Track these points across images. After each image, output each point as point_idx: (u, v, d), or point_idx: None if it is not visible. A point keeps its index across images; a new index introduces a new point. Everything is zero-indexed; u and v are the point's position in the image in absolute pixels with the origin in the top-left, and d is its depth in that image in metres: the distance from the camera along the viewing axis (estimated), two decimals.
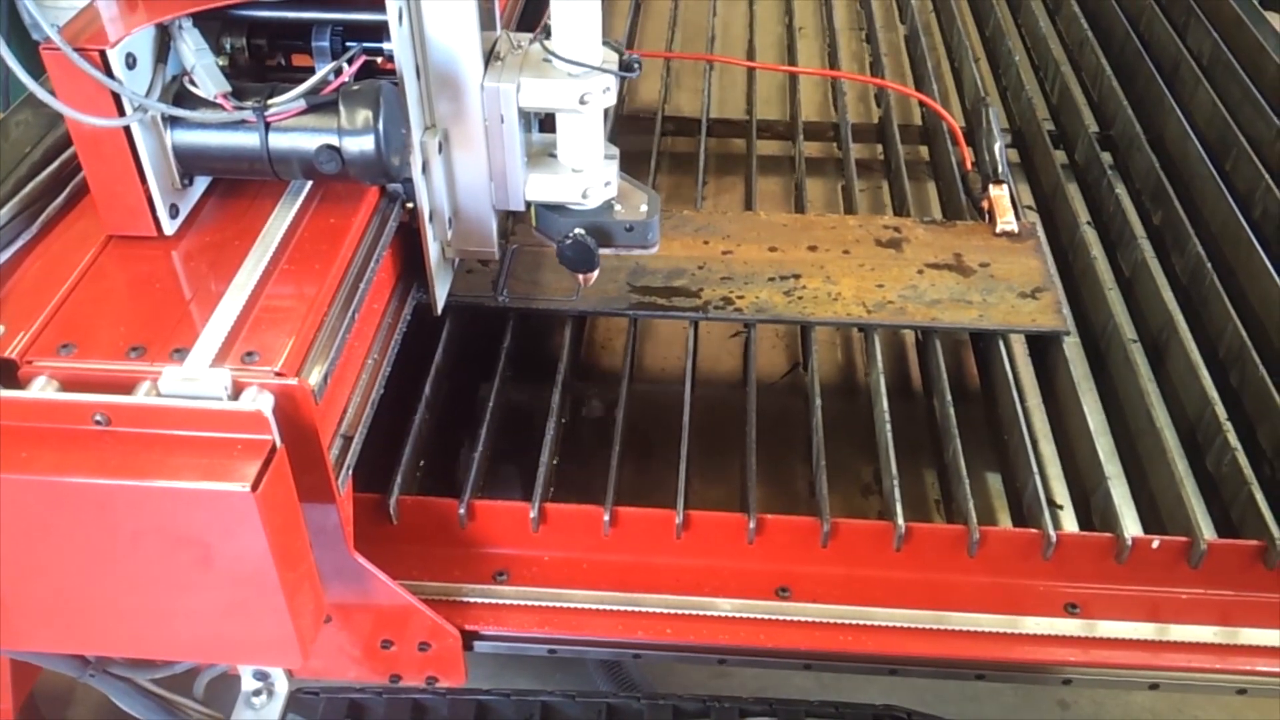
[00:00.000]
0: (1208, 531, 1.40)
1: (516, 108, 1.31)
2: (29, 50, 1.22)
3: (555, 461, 1.50)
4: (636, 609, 1.38)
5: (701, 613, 1.38)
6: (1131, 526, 1.42)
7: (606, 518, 1.39)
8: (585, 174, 1.38)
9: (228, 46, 1.28)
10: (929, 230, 1.79)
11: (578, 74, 1.29)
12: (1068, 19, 2.54)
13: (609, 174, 1.40)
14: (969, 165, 1.97)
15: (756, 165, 2.02)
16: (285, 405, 1.10)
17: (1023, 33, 2.57)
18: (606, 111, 1.36)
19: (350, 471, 1.27)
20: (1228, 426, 1.51)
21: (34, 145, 1.59)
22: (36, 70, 1.78)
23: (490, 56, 1.32)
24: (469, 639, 1.38)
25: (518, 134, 1.33)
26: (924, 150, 2.21)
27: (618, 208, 1.43)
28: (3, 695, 1.54)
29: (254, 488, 1.02)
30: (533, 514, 1.39)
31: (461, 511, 1.39)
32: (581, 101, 1.30)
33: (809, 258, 1.72)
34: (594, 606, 1.39)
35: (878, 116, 2.29)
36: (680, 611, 1.38)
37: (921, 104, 2.24)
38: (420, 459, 1.48)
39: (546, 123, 1.41)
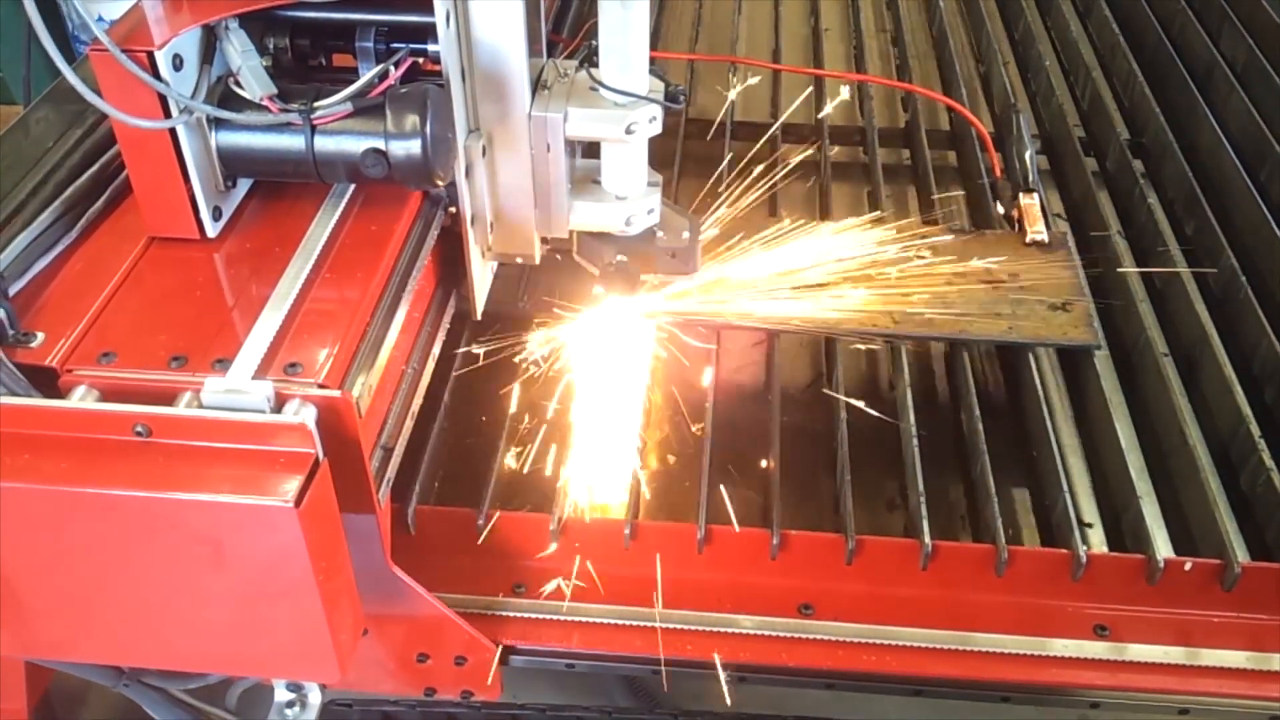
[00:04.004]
0: (1241, 553, 1.37)
1: (563, 137, 1.29)
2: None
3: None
4: (656, 624, 1.36)
5: (723, 629, 1.36)
6: (1163, 547, 1.39)
7: (627, 531, 1.37)
8: (629, 201, 1.37)
9: (270, 47, 1.27)
10: (958, 239, 1.76)
11: (624, 103, 1.28)
12: (1099, 23, 2.50)
13: (652, 201, 1.39)
14: (998, 172, 1.94)
15: (781, 169, 1.99)
16: (328, 417, 1.08)
17: (1053, 37, 2.53)
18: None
19: (390, 483, 1.26)
20: (1262, 445, 1.48)
21: (55, 141, 1.59)
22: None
23: (537, 84, 1.30)
24: (505, 653, 1.36)
25: (563, 162, 1.32)
26: (952, 156, 2.18)
27: (660, 234, 1.41)
28: (17, 695, 1.54)
29: (297, 503, 1.00)
30: (552, 526, 1.37)
31: (480, 522, 1.37)
32: (628, 131, 1.29)
33: (834, 266, 1.69)
34: (613, 621, 1.37)
35: (905, 121, 2.26)
36: (701, 628, 1.36)
37: (949, 109, 2.20)
38: (439, 468, 1.47)
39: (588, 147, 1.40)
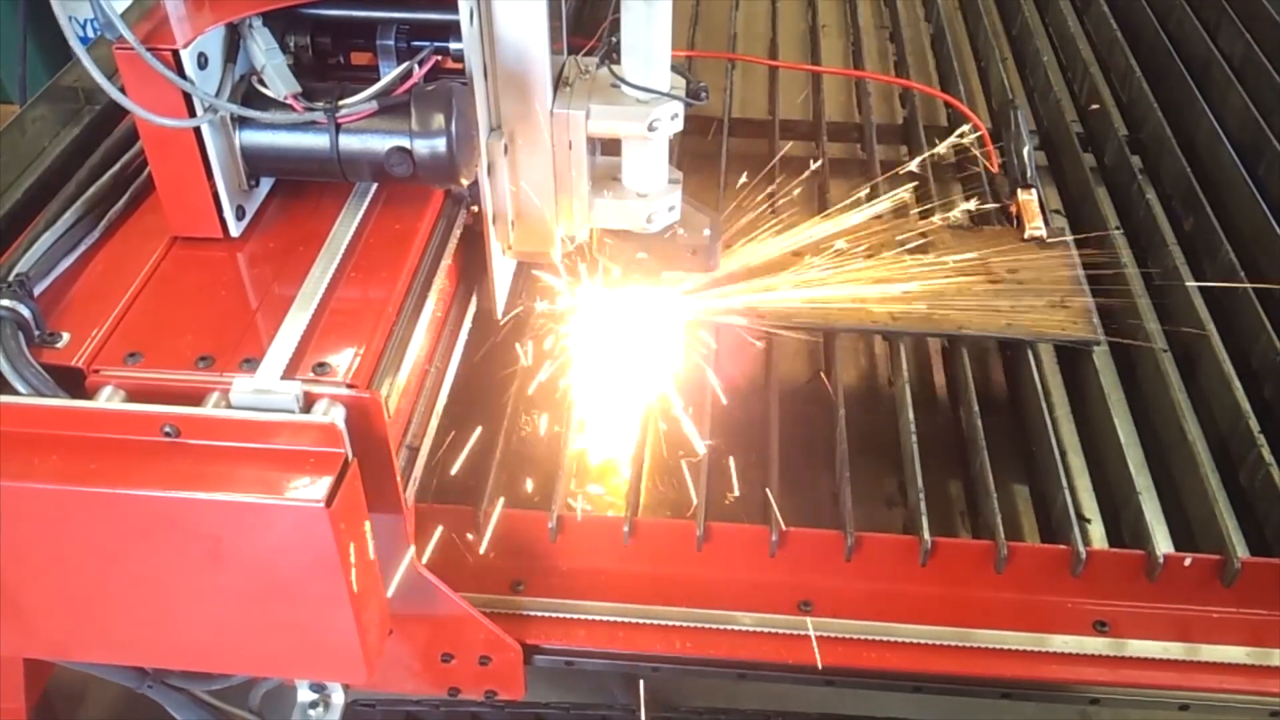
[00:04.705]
0: (1241, 549, 1.37)
1: (585, 134, 1.28)
2: (46, 45, 1.20)
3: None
4: (655, 622, 1.36)
5: (722, 626, 1.36)
6: (1162, 542, 1.39)
7: (626, 528, 1.36)
8: (650, 199, 1.37)
9: (291, 45, 1.27)
10: (956, 235, 1.76)
11: (646, 100, 1.27)
12: (1096, 18, 2.50)
13: (673, 198, 1.38)
14: (996, 168, 1.94)
15: (779, 166, 1.98)
16: (357, 417, 1.08)
17: (1050, 32, 2.52)
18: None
19: (417, 483, 1.26)
20: (1261, 440, 1.47)
21: (52, 139, 1.58)
22: (56, 64, 1.77)
23: (559, 82, 1.29)
24: (529, 652, 1.35)
25: (585, 160, 1.31)
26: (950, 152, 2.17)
27: (680, 231, 1.41)
28: (16, 694, 1.53)
29: (328, 503, 1.00)
30: (551, 523, 1.36)
31: (479, 519, 1.37)
32: (650, 128, 1.28)
33: (833, 262, 1.69)
34: (612, 618, 1.37)
35: (903, 117, 2.25)
36: (700, 625, 1.36)
37: (947, 105, 2.20)
38: (438, 465, 1.46)
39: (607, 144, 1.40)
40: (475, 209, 1.37)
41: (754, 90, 2.31)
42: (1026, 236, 1.76)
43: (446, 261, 1.34)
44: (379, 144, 1.20)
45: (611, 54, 1.29)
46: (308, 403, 1.07)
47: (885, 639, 1.35)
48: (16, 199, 1.44)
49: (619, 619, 1.37)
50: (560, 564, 1.40)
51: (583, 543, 1.39)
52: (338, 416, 1.05)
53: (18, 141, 1.55)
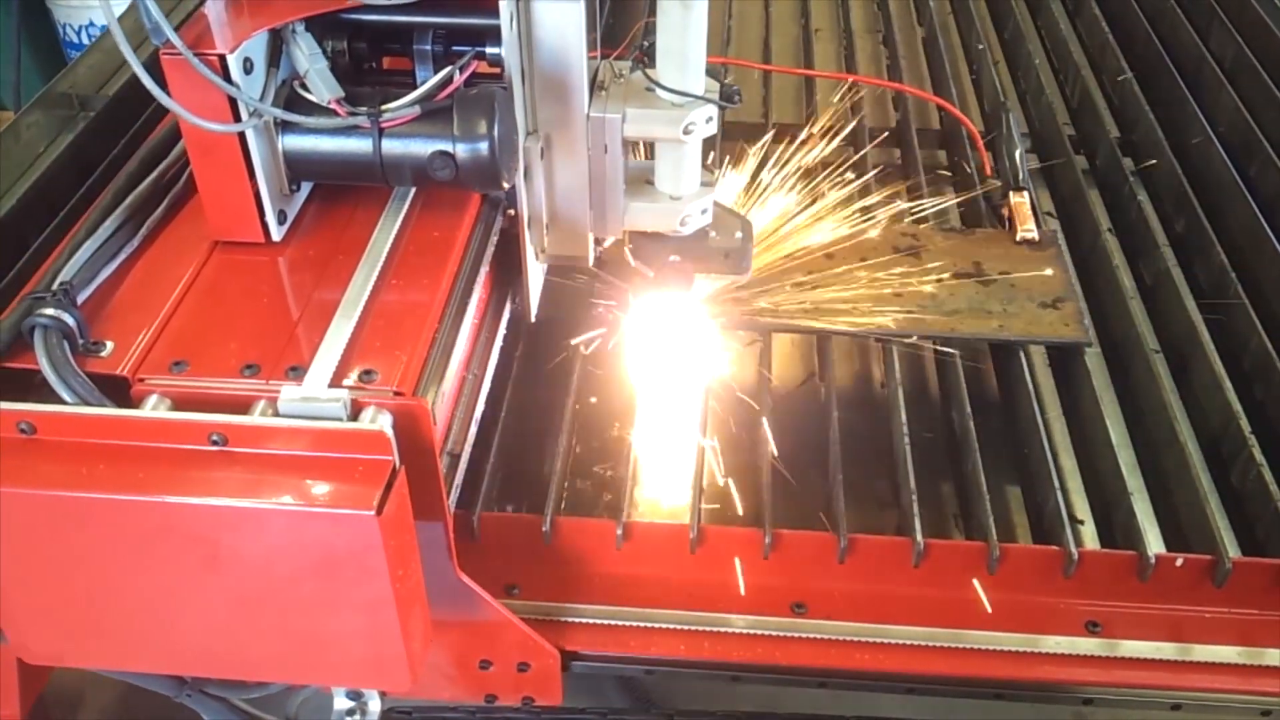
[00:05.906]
0: (1232, 549, 1.38)
1: (621, 138, 1.29)
2: (41, 52, 1.21)
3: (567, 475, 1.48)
4: (649, 624, 1.36)
5: (715, 629, 1.36)
6: (1154, 543, 1.40)
7: (619, 531, 1.37)
8: (683, 202, 1.37)
9: (328, 50, 1.26)
10: (948, 238, 1.77)
11: (681, 104, 1.27)
12: (1088, 21, 2.51)
13: (706, 201, 1.39)
14: (988, 171, 1.95)
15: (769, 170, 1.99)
16: (403, 424, 1.08)
17: (1042, 35, 2.53)
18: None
19: (458, 489, 1.26)
20: (1252, 441, 1.48)
21: (47, 145, 1.59)
22: (50, 71, 1.77)
23: (594, 85, 1.30)
24: (567, 658, 1.35)
25: (620, 163, 1.32)
26: (942, 155, 2.18)
27: (713, 234, 1.41)
28: (11, 699, 1.53)
29: (378, 511, 1.00)
30: (545, 527, 1.37)
31: (474, 523, 1.37)
32: (686, 131, 1.28)
33: (825, 265, 1.70)
34: (605, 622, 1.37)
35: (895, 120, 2.26)
36: (694, 627, 1.36)
37: (940, 108, 2.21)
38: None
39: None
40: (511, 213, 1.37)
41: (747, 93, 2.30)
42: (1018, 239, 1.76)
43: (485, 267, 1.34)
44: (422, 148, 1.19)
45: (644, 58, 1.29)
46: (355, 410, 1.07)
47: (878, 640, 1.35)
48: (12, 206, 1.45)
49: (612, 622, 1.37)
50: (554, 568, 1.40)
51: (576, 546, 1.39)
52: (385, 424, 1.05)
53: (12, 148, 1.55)
